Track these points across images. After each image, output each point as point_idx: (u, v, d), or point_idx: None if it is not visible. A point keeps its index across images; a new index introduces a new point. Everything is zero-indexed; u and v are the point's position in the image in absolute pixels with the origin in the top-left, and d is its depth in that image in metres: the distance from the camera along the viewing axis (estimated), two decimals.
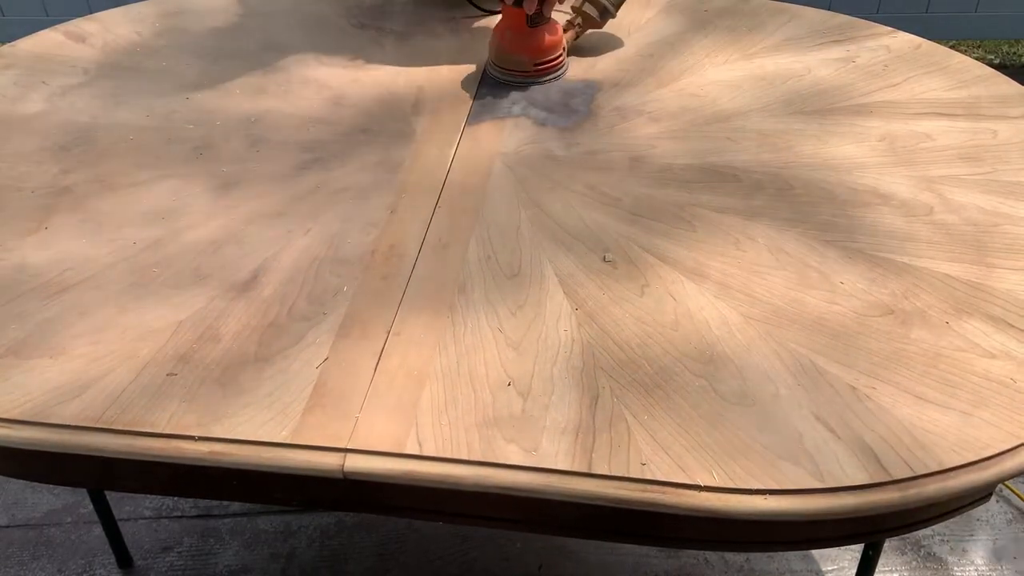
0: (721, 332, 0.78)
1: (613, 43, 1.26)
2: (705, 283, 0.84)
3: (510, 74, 1.18)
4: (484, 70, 1.20)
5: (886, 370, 0.73)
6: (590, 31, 1.26)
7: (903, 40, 1.24)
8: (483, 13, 1.35)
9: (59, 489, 1.64)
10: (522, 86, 1.17)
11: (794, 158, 1.01)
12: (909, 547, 1.50)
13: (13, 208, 0.96)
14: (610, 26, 1.28)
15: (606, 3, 1.22)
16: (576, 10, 1.24)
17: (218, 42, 1.29)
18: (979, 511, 1.55)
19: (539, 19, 1.14)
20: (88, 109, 1.13)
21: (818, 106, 1.10)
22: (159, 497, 1.61)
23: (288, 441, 0.69)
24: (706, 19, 1.32)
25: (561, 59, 1.19)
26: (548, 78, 1.18)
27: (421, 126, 1.10)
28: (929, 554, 1.49)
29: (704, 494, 0.64)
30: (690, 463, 0.66)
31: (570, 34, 1.23)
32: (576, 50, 1.24)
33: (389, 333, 0.79)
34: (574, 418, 0.70)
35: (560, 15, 1.22)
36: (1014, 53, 2.95)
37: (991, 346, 0.75)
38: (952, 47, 1.75)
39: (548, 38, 1.17)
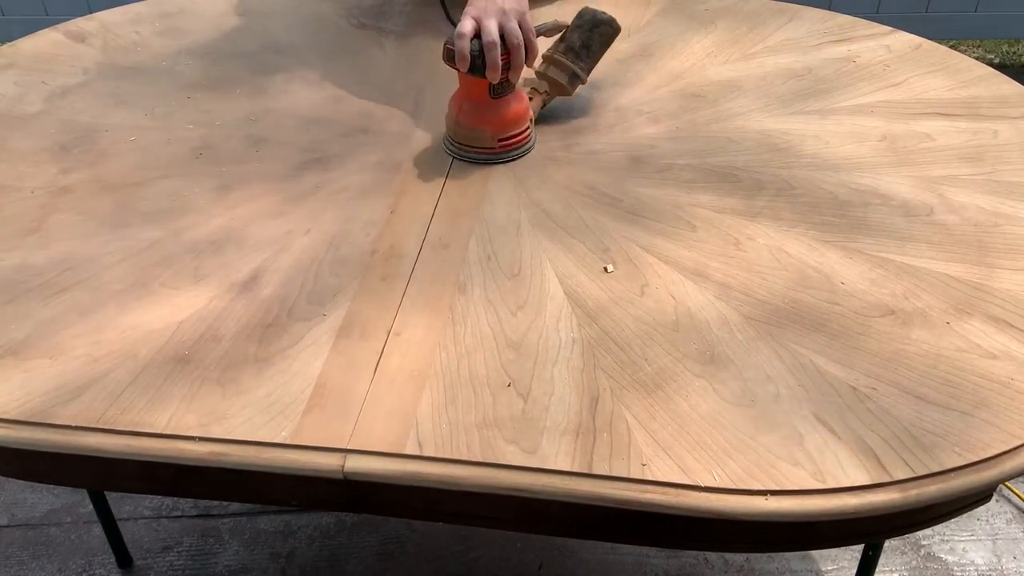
0: (721, 332, 0.78)
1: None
2: (705, 283, 0.84)
3: (470, 151, 1.03)
4: (442, 144, 1.06)
5: (887, 370, 0.73)
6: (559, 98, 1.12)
7: (903, 40, 1.24)
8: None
9: (59, 489, 1.64)
10: (484, 164, 1.03)
11: (794, 158, 1.01)
12: (909, 547, 1.50)
13: (13, 208, 0.96)
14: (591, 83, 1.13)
15: (575, 68, 1.07)
16: (541, 75, 1.09)
17: (218, 42, 1.29)
18: (979, 511, 1.55)
19: (505, 89, 1.00)
20: (88, 109, 1.13)
21: (818, 106, 1.10)
22: (159, 497, 1.61)
23: (288, 441, 0.69)
24: (706, 19, 1.32)
25: (528, 131, 1.04)
26: (515, 154, 1.03)
27: (421, 126, 1.10)
28: (929, 554, 1.49)
29: (704, 494, 0.64)
30: (690, 464, 0.66)
31: (536, 102, 1.07)
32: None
33: (389, 333, 0.79)
34: (574, 419, 0.70)
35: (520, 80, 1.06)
36: (1014, 53, 2.95)
37: (991, 346, 0.75)
38: (952, 47, 1.75)
39: (514, 109, 1.01)
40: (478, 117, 1.01)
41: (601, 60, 1.12)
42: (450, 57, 0.96)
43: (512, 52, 0.97)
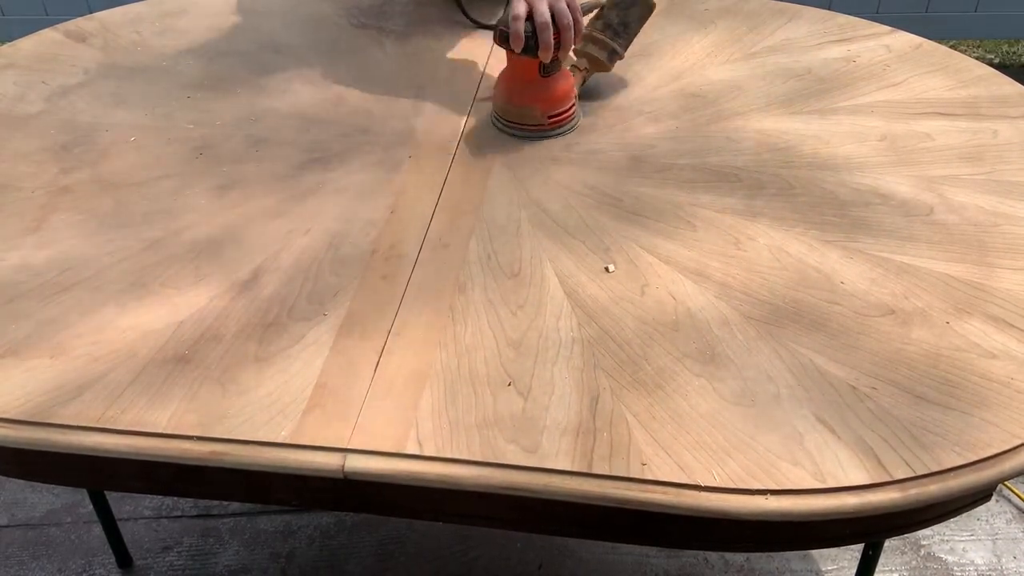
0: (721, 332, 0.78)
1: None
2: (705, 283, 0.84)
3: (522, 129, 1.07)
4: (490, 122, 1.10)
5: (886, 370, 0.73)
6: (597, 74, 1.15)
7: (903, 40, 1.24)
8: (476, 27, 1.30)
9: (59, 489, 1.64)
10: (535, 140, 1.06)
11: (794, 158, 1.01)
12: (909, 547, 1.50)
13: (13, 208, 0.96)
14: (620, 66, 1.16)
15: (614, 44, 1.11)
16: (580, 53, 1.12)
17: (218, 42, 1.29)
18: (979, 511, 1.55)
19: (554, 67, 1.04)
20: (88, 109, 1.13)
21: (818, 106, 1.10)
22: (159, 497, 1.61)
23: (288, 441, 0.69)
24: (706, 19, 1.32)
25: (574, 107, 1.08)
26: (564, 129, 1.07)
27: (421, 126, 1.10)
28: (929, 554, 1.49)
29: (704, 494, 0.64)
30: (690, 463, 0.66)
31: (576, 79, 1.11)
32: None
33: (389, 333, 0.79)
34: (574, 418, 0.70)
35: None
36: (1014, 53, 2.95)
37: (991, 346, 0.75)
38: (952, 47, 1.75)
39: (562, 86, 1.06)
40: (529, 95, 1.05)
41: None
42: (503, 39, 1.00)
43: (562, 32, 1.00)
